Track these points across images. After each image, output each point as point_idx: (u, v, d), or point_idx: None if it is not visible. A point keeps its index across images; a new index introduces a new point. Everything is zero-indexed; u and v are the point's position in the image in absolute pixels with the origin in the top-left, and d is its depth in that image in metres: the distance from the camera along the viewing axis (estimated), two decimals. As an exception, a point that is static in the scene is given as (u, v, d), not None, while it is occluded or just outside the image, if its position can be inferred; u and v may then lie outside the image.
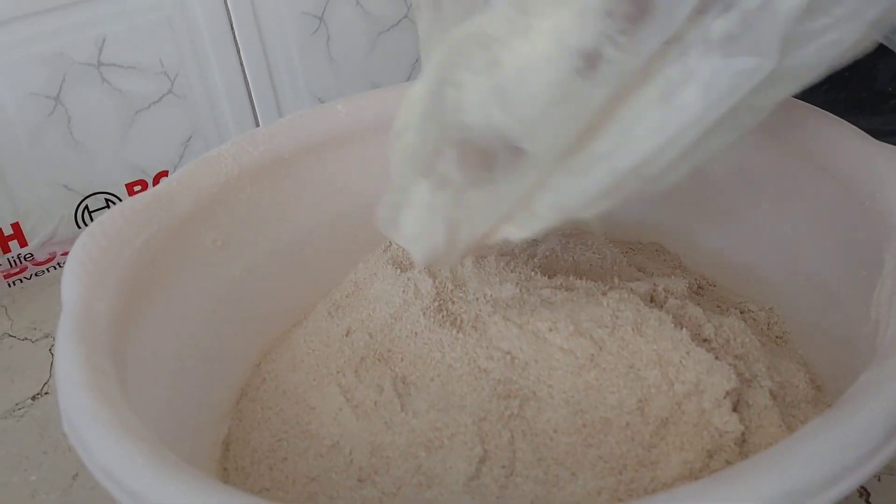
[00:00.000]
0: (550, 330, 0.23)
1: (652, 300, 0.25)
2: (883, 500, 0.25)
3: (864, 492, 0.25)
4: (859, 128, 0.34)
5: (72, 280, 0.23)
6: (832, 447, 0.15)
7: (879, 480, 0.26)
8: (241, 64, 0.42)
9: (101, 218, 0.25)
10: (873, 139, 0.24)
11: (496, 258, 0.27)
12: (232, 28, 0.41)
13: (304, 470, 0.23)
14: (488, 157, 0.19)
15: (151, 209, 0.25)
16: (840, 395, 0.17)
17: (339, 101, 0.31)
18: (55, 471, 0.29)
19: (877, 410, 0.16)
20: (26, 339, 0.36)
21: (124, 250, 0.24)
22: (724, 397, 0.21)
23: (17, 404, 0.32)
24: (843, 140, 0.24)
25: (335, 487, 0.22)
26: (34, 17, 0.37)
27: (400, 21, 0.45)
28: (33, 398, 0.33)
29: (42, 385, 0.33)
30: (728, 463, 0.20)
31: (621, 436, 0.21)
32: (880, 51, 0.33)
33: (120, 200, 0.41)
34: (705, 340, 0.24)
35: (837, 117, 0.25)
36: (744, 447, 0.21)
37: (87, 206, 0.40)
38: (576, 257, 0.28)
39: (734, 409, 0.21)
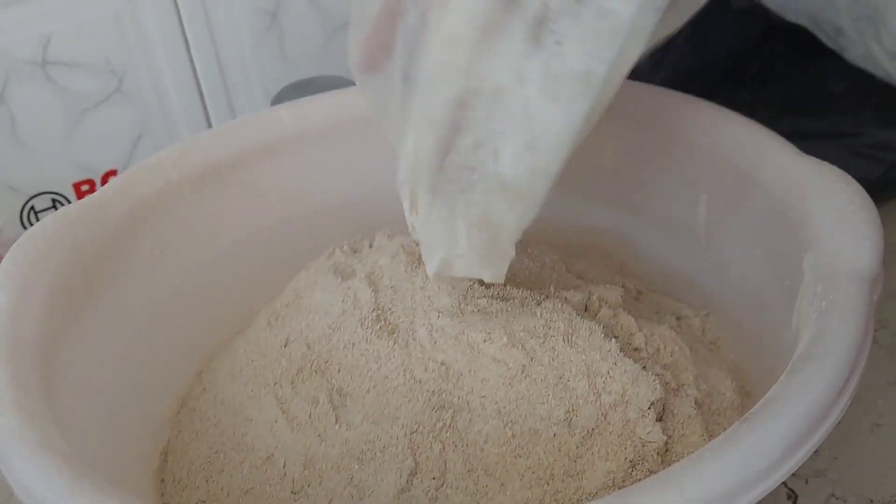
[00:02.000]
0: (485, 341, 0.23)
1: (586, 309, 0.26)
2: (810, 503, 0.26)
3: (791, 493, 0.26)
4: (804, 129, 0.34)
5: (-1, 294, 0.22)
6: (732, 464, 0.16)
7: (807, 483, 0.27)
8: (192, 62, 0.42)
9: (31, 230, 0.24)
10: (799, 152, 0.24)
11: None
12: (181, 25, 0.41)
13: (239, 482, 0.23)
14: None
15: (84, 219, 0.25)
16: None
17: (283, 107, 0.31)
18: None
19: (775, 430, 0.16)
20: (-31, 344, 0.36)
21: (54, 261, 0.24)
22: (649, 407, 0.22)
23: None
24: (770, 152, 0.25)
25: (269, 500, 0.22)
26: (-27, 13, 0.36)
27: (353, 19, 0.44)
28: (-25, 405, 0.32)
29: (-16, 391, 0.33)
30: (650, 472, 0.21)
31: (549, 446, 0.21)
32: (830, 53, 0.33)
33: (67, 200, 0.40)
34: (636, 350, 0.24)
35: (767, 128, 0.26)
36: (667, 456, 0.22)
37: (32, 207, 0.40)
38: (514, 265, 0.28)
39: (659, 419, 0.22)
